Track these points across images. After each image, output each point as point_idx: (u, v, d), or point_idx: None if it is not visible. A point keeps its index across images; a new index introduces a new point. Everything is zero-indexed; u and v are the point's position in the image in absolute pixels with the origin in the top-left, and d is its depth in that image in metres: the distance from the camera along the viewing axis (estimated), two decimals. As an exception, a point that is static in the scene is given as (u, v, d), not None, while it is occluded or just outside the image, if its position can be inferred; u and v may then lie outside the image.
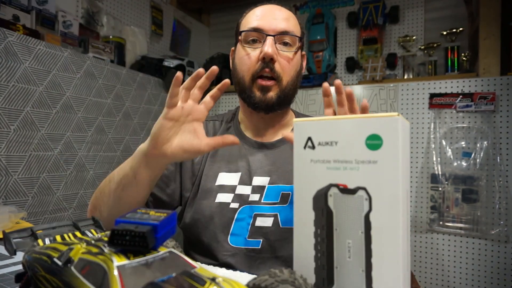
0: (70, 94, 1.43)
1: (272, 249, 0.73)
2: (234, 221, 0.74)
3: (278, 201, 0.74)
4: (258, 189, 0.75)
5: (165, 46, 2.31)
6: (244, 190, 0.76)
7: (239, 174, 0.78)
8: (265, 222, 0.73)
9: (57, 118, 1.38)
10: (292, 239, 0.71)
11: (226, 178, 0.78)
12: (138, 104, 1.83)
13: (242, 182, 0.77)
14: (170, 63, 1.96)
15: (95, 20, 1.77)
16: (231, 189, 0.77)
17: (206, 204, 0.76)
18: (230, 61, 0.86)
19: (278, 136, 0.82)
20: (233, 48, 0.86)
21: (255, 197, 0.75)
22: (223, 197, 0.76)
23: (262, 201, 0.75)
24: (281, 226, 0.73)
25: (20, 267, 0.53)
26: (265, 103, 0.75)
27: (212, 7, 2.80)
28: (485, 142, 1.71)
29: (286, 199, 0.74)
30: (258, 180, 0.76)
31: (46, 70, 1.33)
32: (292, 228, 0.71)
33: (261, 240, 0.73)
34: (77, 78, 1.47)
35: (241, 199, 0.75)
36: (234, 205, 0.75)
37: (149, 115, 1.91)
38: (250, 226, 0.73)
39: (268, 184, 0.76)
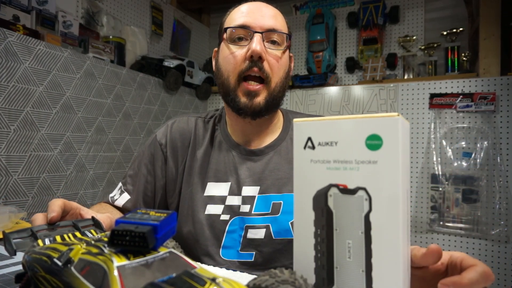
0: (70, 94, 1.43)
1: (266, 262, 0.71)
2: (225, 234, 0.72)
3: (270, 211, 0.71)
4: (248, 200, 0.73)
5: (165, 46, 2.31)
6: (234, 200, 0.73)
7: (228, 184, 0.74)
8: (256, 234, 0.70)
9: (57, 118, 1.38)
10: (285, 250, 0.71)
11: (215, 188, 0.75)
12: (138, 104, 1.83)
13: (231, 192, 0.74)
14: (170, 63, 1.96)
15: (95, 20, 1.77)
16: (220, 200, 0.74)
17: (195, 216, 0.74)
18: (213, 62, 0.81)
19: (267, 141, 0.78)
20: (215, 49, 0.81)
21: (245, 208, 0.72)
22: (213, 209, 0.73)
23: (252, 212, 0.72)
24: (273, 237, 0.70)
25: (20, 267, 0.53)
26: (251, 109, 0.70)
27: (212, 7, 2.80)
28: (485, 142, 1.71)
29: (278, 209, 0.71)
30: (247, 190, 0.73)
31: (46, 70, 1.33)
32: (285, 240, 0.71)
33: (254, 252, 0.71)
34: (77, 78, 1.47)
35: (232, 210, 0.72)
36: (224, 216, 0.72)
37: (149, 115, 1.91)
38: (242, 238, 0.71)
39: (258, 193, 0.73)
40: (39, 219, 0.48)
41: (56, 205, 0.50)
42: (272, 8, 0.75)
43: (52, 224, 0.40)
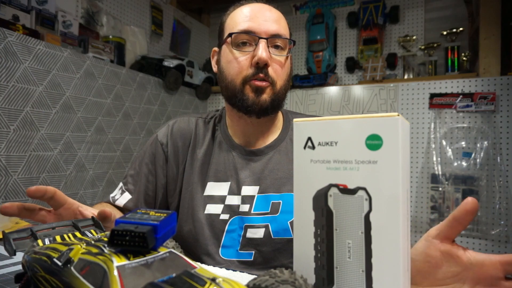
0: (70, 94, 1.43)
1: (265, 261, 0.71)
2: (224, 233, 0.72)
3: (269, 211, 0.72)
4: (248, 199, 0.73)
5: (165, 46, 2.31)
6: (234, 200, 0.74)
7: (228, 183, 0.75)
8: (256, 233, 0.71)
9: (57, 118, 1.38)
10: (285, 250, 0.71)
11: (214, 188, 0.76)
12: (138, 104, 1.83)
13: (231, 192, 0.74)
14: (170, 63, 1.96)
15: (95, 20, 1.77)
16: (220, 199, 0.74)
17: (195, 215, 0.74)
18: (212, 62, 0.81)
19: (267, 142, 0.79)
20: (215, 48, 0.80)
21: (245, 207, 0.73)
22: (212, 208, 0.74)
23: (252, 211, 0.72)
24: (272, 237, 0.71)
25: (19, 267, 0.53)
26: (259, 106, 0.71)
27: (212, 7, 2.80)
28: (485, 142, 1.71)
29: (277, 208, 0.72)
30: (247, 190, 0.74)
31: (46, 70, 1.33)
32: (284, 239, 0.71)
33: (253, 252, 0.71)
34: (77, 78, 1.47)
35: (231, 210, 0.73)
36: (224, 216, 0.73)
37: (149, 115, 1.91)
38: (241, 237, 0.72)
39: (258, 193, 0.73)
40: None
41: (45, 188, 0.53)
42: (275, 11, 0.75)
43: (50, 223, 0.40)
